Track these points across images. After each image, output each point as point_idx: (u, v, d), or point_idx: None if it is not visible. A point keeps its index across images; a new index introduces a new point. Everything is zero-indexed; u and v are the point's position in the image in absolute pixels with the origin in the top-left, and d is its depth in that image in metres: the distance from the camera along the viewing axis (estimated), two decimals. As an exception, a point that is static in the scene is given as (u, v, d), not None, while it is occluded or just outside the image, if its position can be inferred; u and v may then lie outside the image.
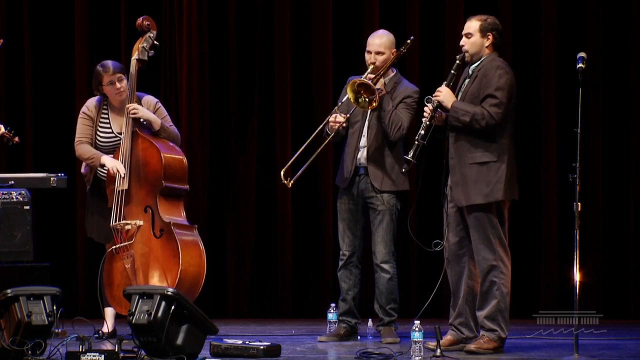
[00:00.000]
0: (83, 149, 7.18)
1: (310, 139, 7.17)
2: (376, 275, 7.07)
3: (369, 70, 6.95)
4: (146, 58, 7.23)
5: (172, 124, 7.32)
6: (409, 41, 6.95)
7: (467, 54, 6.49)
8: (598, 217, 8.75)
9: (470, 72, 6.53)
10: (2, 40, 7.66)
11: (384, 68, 6.94)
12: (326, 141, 7.08)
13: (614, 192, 8.82)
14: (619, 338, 7.25)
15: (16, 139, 7.47)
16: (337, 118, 6.99)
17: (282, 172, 7.07)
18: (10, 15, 9.09)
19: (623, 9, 8.77)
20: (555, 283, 8.72)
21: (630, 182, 8.77)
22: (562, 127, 8.72)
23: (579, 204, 6.09)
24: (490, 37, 6.49)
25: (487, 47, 6.49)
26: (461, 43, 6.51)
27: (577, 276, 6.09)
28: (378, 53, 6.97)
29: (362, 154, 7.02)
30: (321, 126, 7.13)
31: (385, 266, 7.02)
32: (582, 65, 6.26)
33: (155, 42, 7.25)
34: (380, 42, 7.00)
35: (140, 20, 7.29)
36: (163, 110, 7.29)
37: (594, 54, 8.44)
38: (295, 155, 7.15)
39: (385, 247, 7.01)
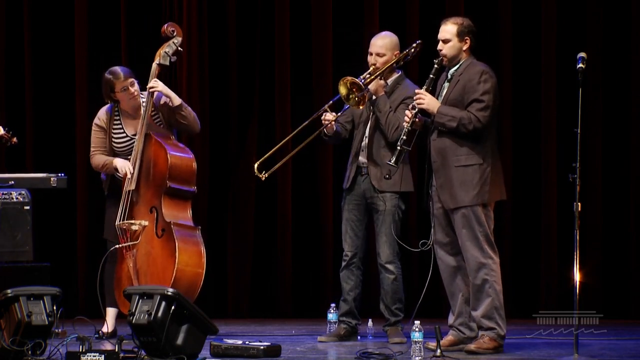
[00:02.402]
0: (96, 159, 7.24)
1: (293, 134, 7.19)
2: (381, 276, 7.07)
3: (369, 70, 6.95)
4: (167, 63, 7.27)
5: None
6: (415, 44, 6.95)
7: (445, 59, 6.50)
8: (598, 217, 8.75)
9: (449, 76, 6.54)
10: None
11: (384, 69, 6.94)
12: (310, 138, 7.10)
13: (614, 192, 8.82)
14: (619, 338, 7.24)
15: (14, 139, 7.48)
16: (326, 116, 7.01)
17: (255, 165, 7.09)
18: (10, 15, 9.09)
19: (623, 9, 8.77)
20: (555, 283, 8.72)
21: (630, 182, 8.77)
22: (562, 127, 8.72)
23: (579, 204, 6.09)
24: (468, 40, 6.49)
25: (464, 50, 6.50)
26: (439, 48, 6.50)
27: (577, 276, 6.09)
28: (379, 54, 6.97)
29: (364, 155, 7.03)
30: (306, 122, 7.13)
31: (390, 266, 7.02)
32: (582, 65, 6.27)
33: (179, 48, 7.29)
34: (382, 43, 6.99)
35: (165, 26, 7.34)
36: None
37: (594, 54, 8.44)
38: (273, 150, 7.18)
39: (389, 248, 7.01)
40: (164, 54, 7.27)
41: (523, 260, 8.78)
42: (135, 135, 7.20)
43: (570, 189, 6.11)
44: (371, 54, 7.00)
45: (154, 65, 7.25)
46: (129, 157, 7.19)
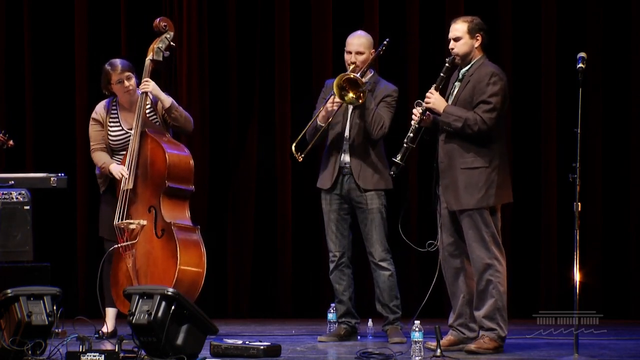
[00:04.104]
0: (97, 157, 7.25)
1: (317, 114, 7.12)
2: (375, 275, 7.07)
3: (349, 69, 6.97)
4: (161, 59, 7.24)
5: None
6: (385, 42, 7.00)
7: (457, 57, 6.48)
8: (598, 217, 8.75)
9: (460, 75, 6.52)
10: None
11: (364, 67, 6.97)
12: (327, 121, 7.03)
13: (614, 192, 8.82)
14: (619, 338, 7.24)
15: (10, 142, 7.50)
16: (335, 99, 6.96)
17: (293, 146, 7.06)
18: (10, 15, 9.09)
19: (623, 9, 8.77)
20: (555, 283, 8.72)
21: (630, 182, 8.77)
22: (562, 127, 8.72)
23: (579, 204, 6.09)
24: (479, 37, 6.48)
25: (476, 48, 6.49)
26: (450, 46, 6.49)
27: (577, 276, 6.10)
28: (358, 53, 7.02)
29: (346, 154, 7.03)
30: (324, 105, 7.10)
31: (384, 264, 7.03)
32: (582, 65, 6.26)
33: (172, 43, 7.25)
34: (359, 42, 7.04)
35: (157, 21, 7.30)
36: None
37: (594, 54, 8.43)
38: (304, 131, 7.12)
39: (380, 246, 7.02)
40: (157, 49, 7.24)
41: (523, 260, 8.78)
42: (130, 129, 7.19)
43: (570, 189, 6.11)
44: (350, 53, 7.04)
45: (147, 61, 7.22)
46: (124, 152, 7.18)
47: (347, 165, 7.03)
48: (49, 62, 9.10)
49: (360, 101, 6.87)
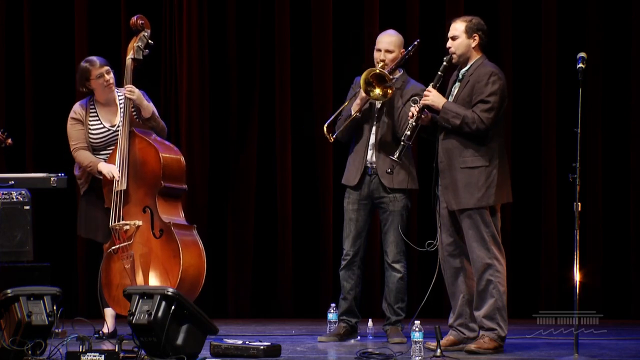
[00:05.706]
0: (81, 155, 7.15)
1: (349, 99, 7.08)
2: (387, 274, 7.07)
3: (379, 66, 6.95)
4: (141, 57, 7.20)
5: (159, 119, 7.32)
6: (415, 43, 6.98)
7: (454, 56, 6.49)
8: (598, 217, 8.75)
9: (460, 75, 6.53)
10: None
11: (392, 65, 6.96)
12: (360, 110, 7.00)
13: (614, 192, 8.82)
14: (619, 338, 7.24)
15: (9, 140, 7.48)
16: (362, 93, 6.96)
17: (324, 127, 7.04)
18: (10, 15, 9.09)
19: (623, 8, 8.77)
20: (555, 283, 8.72)
21: (630, 182, 8.77)
22: (562, 127, 8.72)
23: (579, 204, 6.09)
24: (477, 37, 6.48)
25: (474, 48, 6.49)
26: (448, 45, 6.50)
27: (577, 276, 6.10)
28: (388, 51, 6.99)
29: (372, 153, 7.02)
30: (359, 91, 7.08)
31: (397, 265, 7.02)
32: (582, 65, 6.27)
33: (149, 41, 7.22)
34: (390, 40, 7.02)
35: (134, 19, 7.26)
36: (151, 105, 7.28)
37: (594, 54, 8.44)
38: (337, 112, 7.10)
39: (396, 247, 7.01)
40: (137, 48, 7.20)
41: (523, 260, 8.78)
42: (112, 127, 7.15)
43: (570, 189, 6.11)
44: (379, 51, 7.01)
45: (129, 60, 7.17)
46: (106, 150, 7.15)
47: (373, 165, 7.02)
48: (49, 62, 9.10)
49: (387, 97, 6.85)
